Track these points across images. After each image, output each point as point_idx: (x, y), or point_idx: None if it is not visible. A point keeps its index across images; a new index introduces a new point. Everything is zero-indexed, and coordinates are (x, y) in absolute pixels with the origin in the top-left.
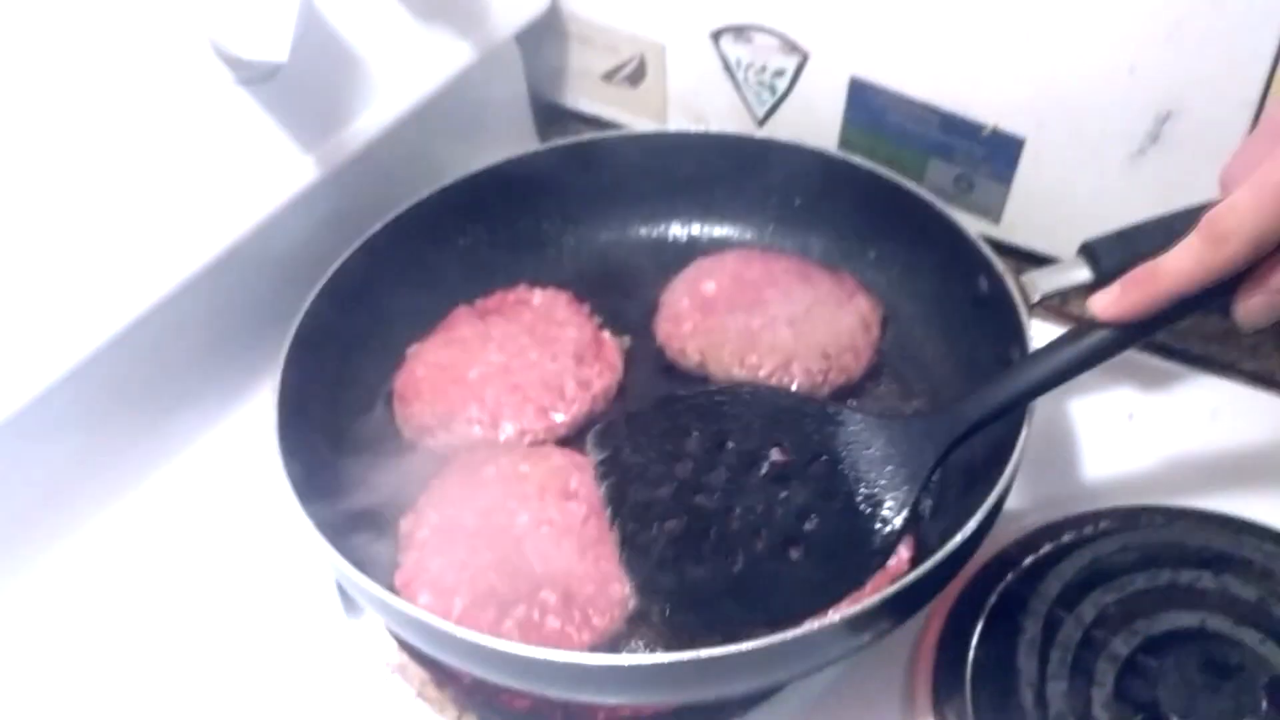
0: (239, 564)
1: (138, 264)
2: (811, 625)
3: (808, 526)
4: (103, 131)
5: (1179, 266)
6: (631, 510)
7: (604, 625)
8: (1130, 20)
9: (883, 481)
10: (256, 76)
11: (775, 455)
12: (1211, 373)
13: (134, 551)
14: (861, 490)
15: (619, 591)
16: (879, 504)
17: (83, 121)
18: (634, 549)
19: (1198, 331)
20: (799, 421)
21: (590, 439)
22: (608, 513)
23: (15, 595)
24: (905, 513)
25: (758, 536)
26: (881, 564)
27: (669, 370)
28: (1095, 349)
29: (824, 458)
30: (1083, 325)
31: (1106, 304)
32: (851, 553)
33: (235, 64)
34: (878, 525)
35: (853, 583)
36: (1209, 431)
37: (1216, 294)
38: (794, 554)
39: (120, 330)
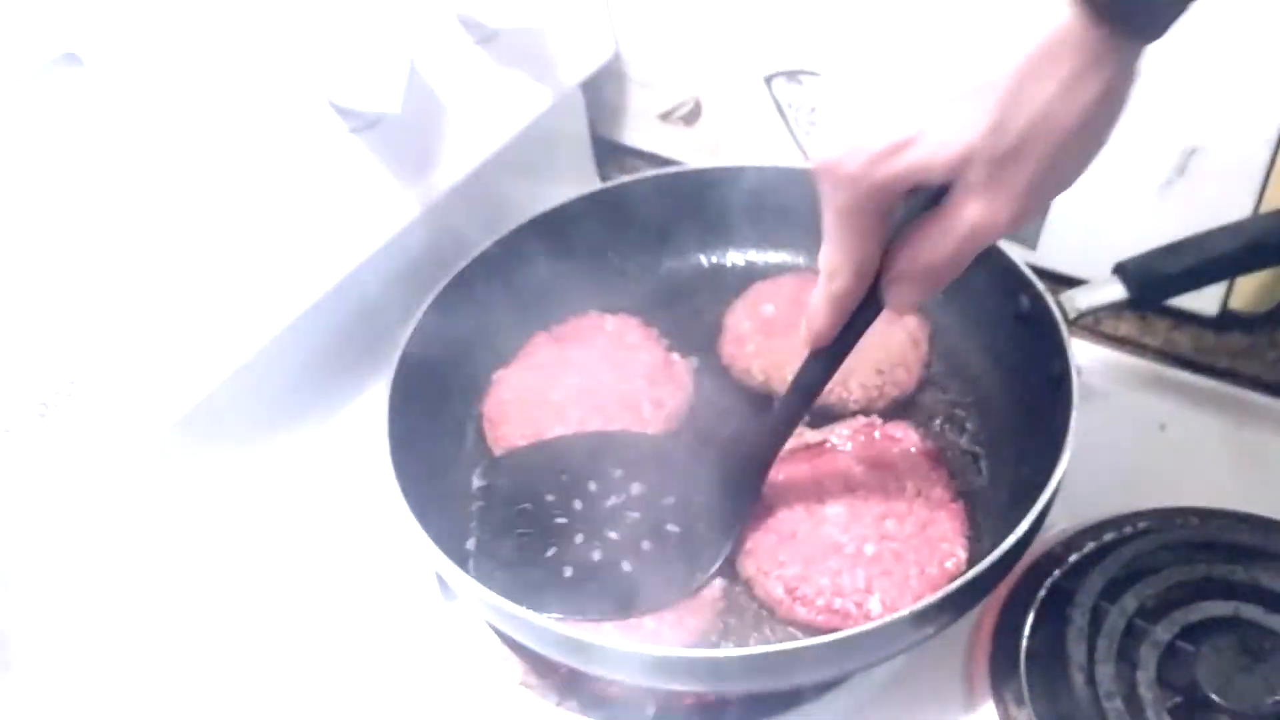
0: (355, 567)
1: (267, 295)
2: (882, 619)
3: (645, 546)
4: (239, 179)
5: (821, 307)
6: (490, 526)
7: (698, 625)
8: (1160, 66)
9: (717, 516)
10: (364, 125)
11: (634, 490)
12: (1236, 385)
13: (256, 553)
14: (700, 520)
15: (710, 593)
16: (713, 532)
17: (217, 175)
18: (483, 553)
19: (1223, 348)
20: (661, 461)
21: (479, 469)
22: (472, 524)
23: (165, 581)
24: (729, 543)
25: (594, 550)
26: (706, 582)
27: (735, 388)
28: (817, 376)
29: (672, 496)
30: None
31: (804, 340)
32: (682, 570)
33: (349, 115)
34: (709, 550)
35: (680, 595)
36: (1235, 439)
37: (869, 305)
38: (626, 566)
39: (255, 354)
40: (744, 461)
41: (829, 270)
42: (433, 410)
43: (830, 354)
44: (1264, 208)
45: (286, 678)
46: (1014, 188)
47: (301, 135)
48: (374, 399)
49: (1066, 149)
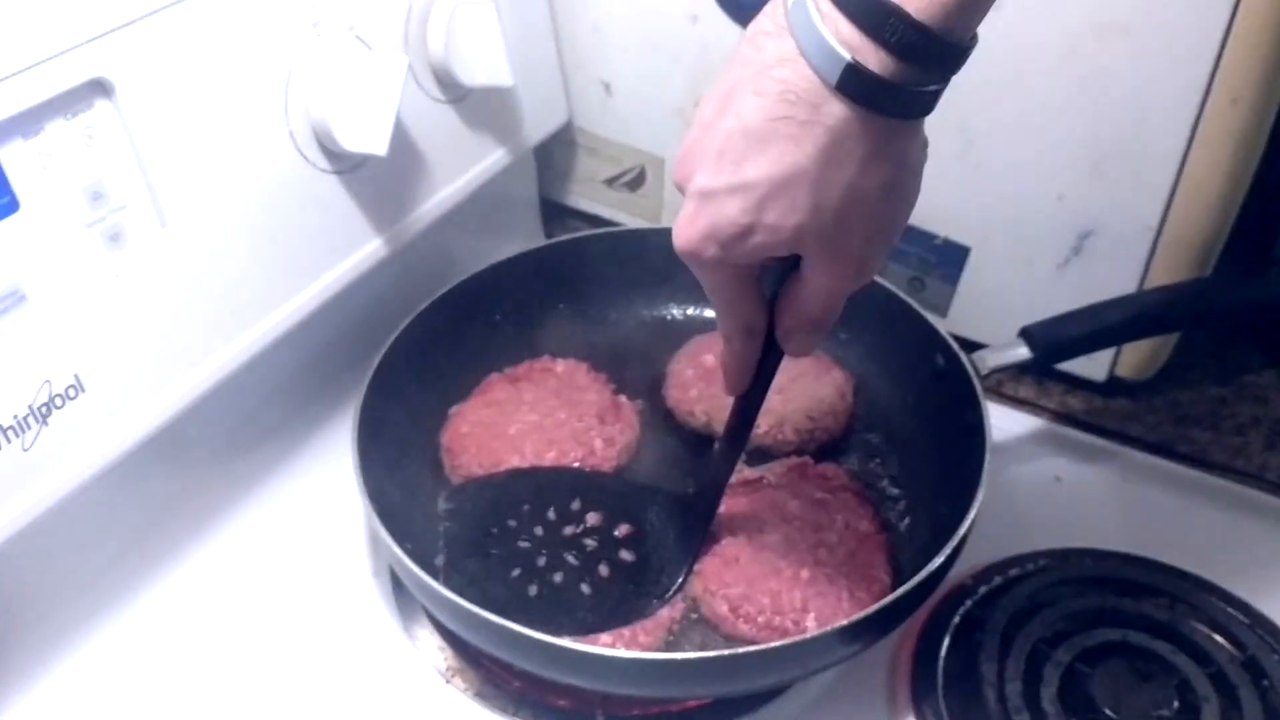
0: (309, 590)
1: (236, 324)
2: (812, 633)
3: (603, 571)
4: (218, 207)
5: (729, 364)
6: (459, 546)
7: (649, 642)
8: (1060, 159)
9: (670, 547)
10: (348, 167)
11: (591, 520)
12: (1122, 444)
13: (218, 577)
14: (655, 550)
15: (665, 617)
16: (666, 561)
17: (203, 214)
18: (452, 568)
19: (1110, 411)
20: (615, 496)
21: (444, 494)
22: (440, 544)
23: (122, 610)
24: (685, 571)
25: (556, 573)
26: (659, 606)
27: (679, 429)
28: (745, 416)
29: (627, 525)
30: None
31: (725, 390)
32: (637, 594)
33: (334, 156)
34: (664, 578)
35: (636, 616)
36: (1120, 491)
37: (770, 353)
38: (585, 589)
39: (219, 381)
40: (694, 497)
41: (724, 335)
42: (394, 440)
43: (750, 397)
44: (1147, 284)
45: (251, 695)
46: (849, 250)
47: (279, 173)
48: (338, 431)
49: (880, 212)
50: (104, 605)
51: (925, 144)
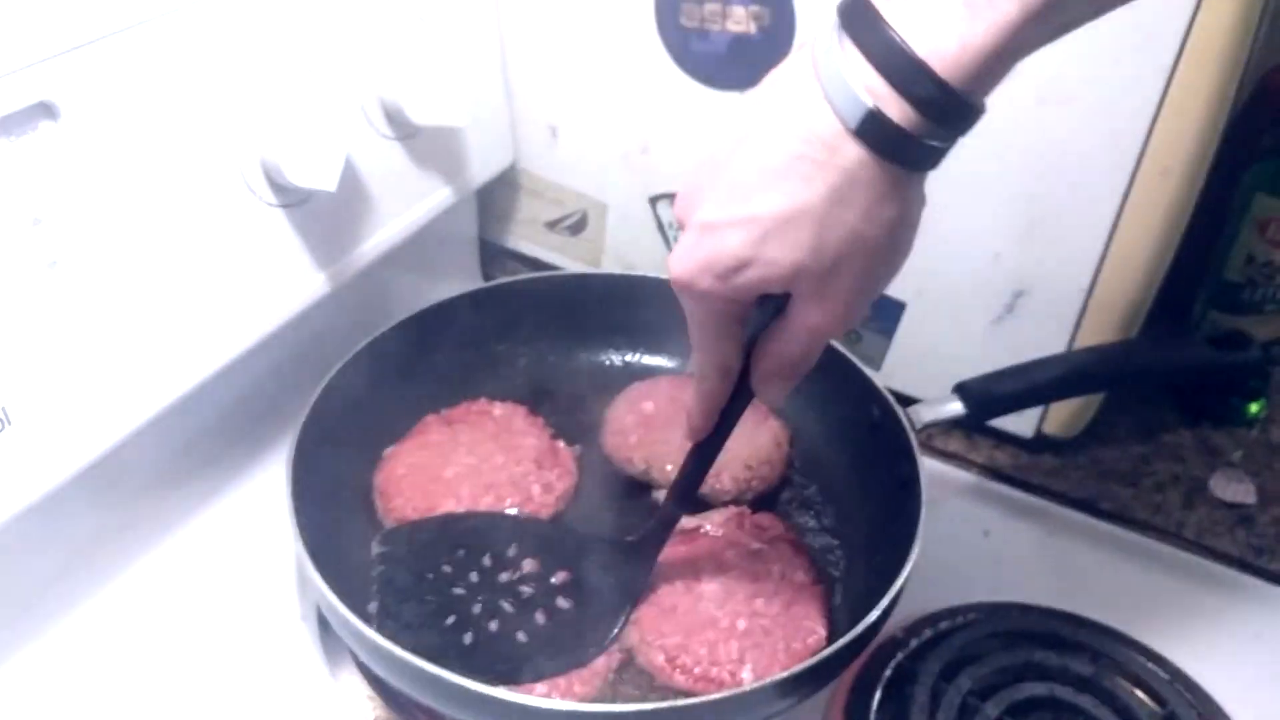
0: (234, 631)
1: (176, 355)
2: (748, 686)
3: (539, 619)
4: (160, 246)
5: (696, 405)
6: (391, 591)
7: (584, 692)
8: (995, 221)
9: (608, 595)
10: (295, 201)
11: (527, 567)
12: (1048, 500)
13: (143, 615)
14: (593, 597)
15: (602, 665)
16: (603, 609)
17: (142, 241)
18: (385, 614)
19: (1037, 468)
20: (552, 543)
21: (377, 537)
22: (374, 588)
23: (37, 651)
24: (623, 619)
25: (491, 620)
26: (596, 654)
27: (617, 475)
28: (700, 465)
29: (565, 572)
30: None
31: (686, 434)
32: (574, 642)
33: (281, 190)
34: (602, 626)
35: (573, 665)
36: (1047, 545)
37: (738, 398)
38: (521, 636)
39: (154, 416)
40: (635, 545)
41: (699, 372)
42: (329, 481)
43: (709, 445)
44: (1076, 344)
45: None
46: (839, 293)
47: (226, 206)
48: (272, 467)
49: (876, 260)
50: (26, 640)
51: (924, 201)
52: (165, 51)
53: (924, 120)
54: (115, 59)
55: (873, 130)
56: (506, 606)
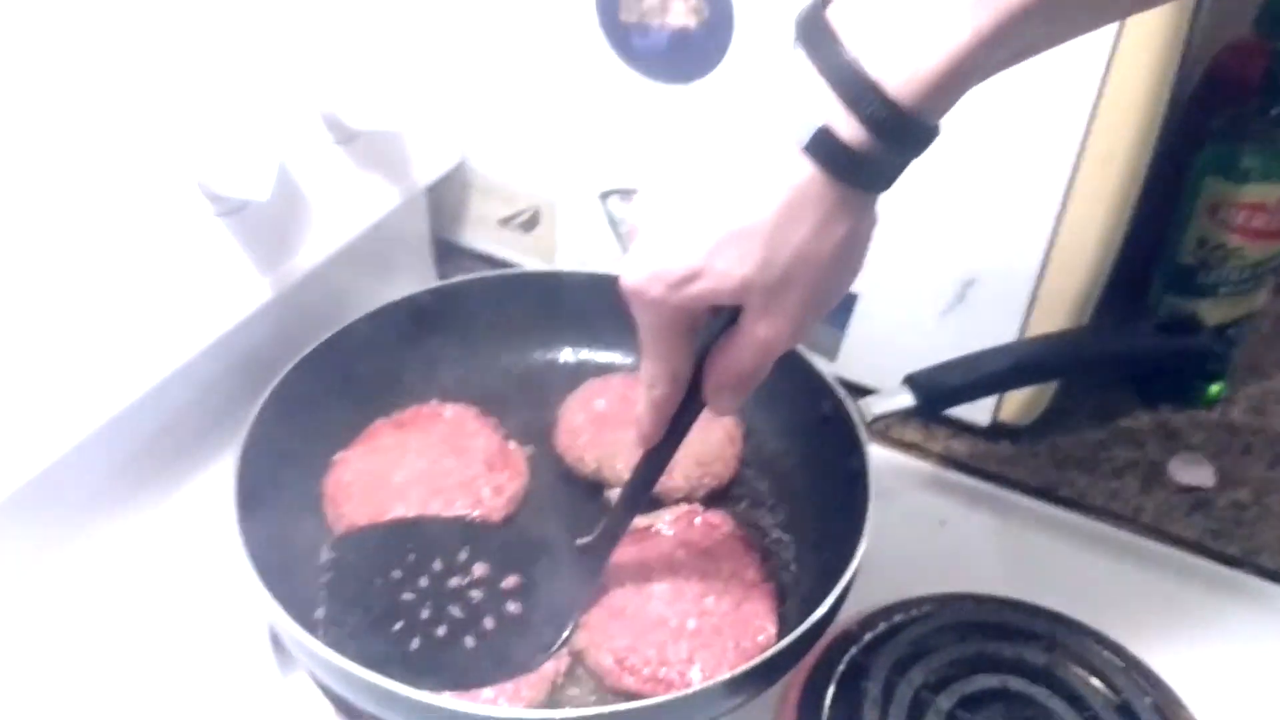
0: (188, 632)
1: (117, 367)
2: (696, 686)
3: (488, 624)
4: (95, 256)
5: (645, 413)
6: (340, 598)
7: (532, 697)
8: (945, 209)
9: (558, 599)
10: (229, 210)
11: (477, 571)
12: (1004, 488)
13: (91, 628)
14: (542, 602)
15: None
16: (553, 613)
17: (77, 253)
18: (332, 622)
19: (993, 456)
20: (504, 547)
21: (327, 544)
22: (321, 594)
23: None
24: (571, 625)
25: (439, 626)
26: (543, 660)
27: (569, 475)
28: (650, 472)
29: (515, 577)
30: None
31: (636, 441)
32: (522, 648)
33: (216, 199)
34: (549, 631)
35: (521, 670)
36: (1003, 535)
37: (689, 407)
38: (469, 641)
39: (97, 429)
40: (585, 549)
41: (648, 380)
42: (276, 488)
43: (660, 451)
44: (1028, 333)
45: None
46: (789, 309)
47: (162, 215)
48: (218, 476)
49: (826, 276)
50: None
51: (875, 220)
52: (96, 60)
53: (875, 140)
54: (45, 68)
55: (822, 149)
56: (455, 612)
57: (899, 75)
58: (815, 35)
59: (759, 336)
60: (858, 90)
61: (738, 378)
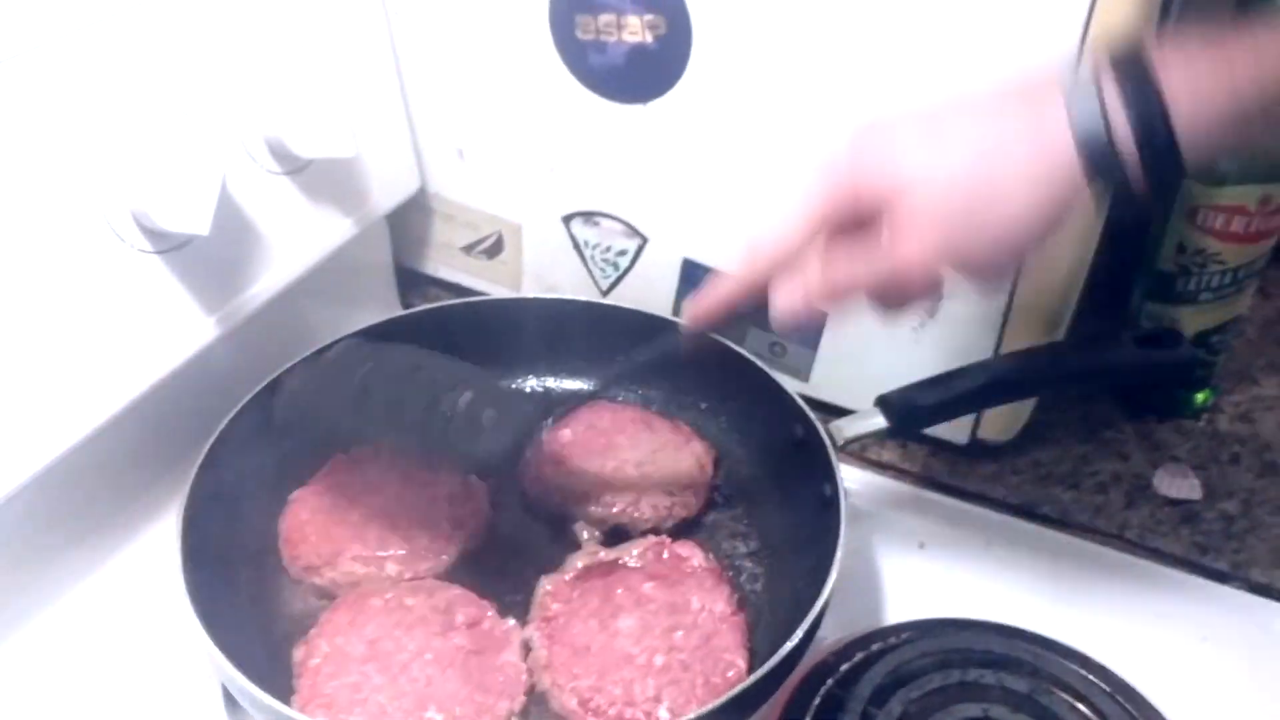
0: (132, 693)
1: (56, 411)
2: None
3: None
4: (29, 297)
5: (731, 278)
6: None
7: None
8: None
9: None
10: (171, 246)
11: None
12: (985, 507)
13: (35, 678)
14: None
15: (503, 710)
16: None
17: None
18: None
19: (973, 474)
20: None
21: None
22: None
23: None
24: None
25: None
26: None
27: (530, 509)
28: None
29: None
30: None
31: (690, 316)
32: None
33: (154, 235)
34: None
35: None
36: (985, 556)
37: (759, 305)
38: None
39: (36, 472)
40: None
41: (755, 248)
42: (231, 532)
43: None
44: (1004, 349)
45: None
46: (932, 231)
47: (103, 251)
48: (167, 519)
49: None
50: None
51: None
52: (21, 90)
53: (1142, 164)
54: None
55: (1098, 155)
56: None
57: (1192, 117)
58: (1130, 66)
59: (895, 256)
60: (1148, 119)
61: (864, 288)
